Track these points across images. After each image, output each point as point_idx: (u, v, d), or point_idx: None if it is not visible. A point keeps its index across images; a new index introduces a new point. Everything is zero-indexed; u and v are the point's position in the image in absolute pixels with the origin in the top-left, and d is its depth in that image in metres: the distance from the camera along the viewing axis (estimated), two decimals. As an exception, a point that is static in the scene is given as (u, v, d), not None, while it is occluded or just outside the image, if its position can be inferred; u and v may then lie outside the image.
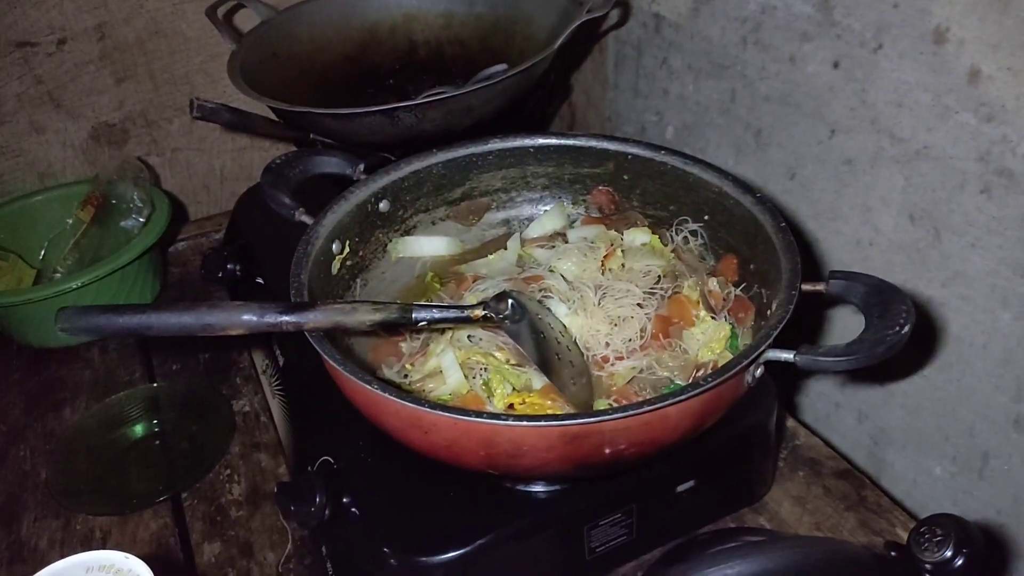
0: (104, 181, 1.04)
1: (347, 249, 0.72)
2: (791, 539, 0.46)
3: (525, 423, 0.51)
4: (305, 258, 0.65)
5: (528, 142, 0.79)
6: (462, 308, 0.61)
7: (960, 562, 0.50)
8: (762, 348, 0.54)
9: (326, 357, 0.57)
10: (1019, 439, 0.69)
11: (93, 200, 1.03)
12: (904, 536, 0.63)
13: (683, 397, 0.51)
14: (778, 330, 0.54)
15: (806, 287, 0.59)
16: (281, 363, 0.85)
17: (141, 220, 1.02)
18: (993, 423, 0.71)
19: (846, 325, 0.84)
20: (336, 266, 0.71)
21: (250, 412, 0.91)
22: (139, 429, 0.89)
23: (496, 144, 0.78)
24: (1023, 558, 0.72)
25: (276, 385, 0.87)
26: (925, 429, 0.78)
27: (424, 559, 0.61)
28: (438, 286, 0.75)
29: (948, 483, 0.77)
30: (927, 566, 0.50)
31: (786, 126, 0.82)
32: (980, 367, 0.70)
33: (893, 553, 0.52)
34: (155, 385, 0.95)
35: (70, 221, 1.05)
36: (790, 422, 0.84)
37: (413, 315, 0.57)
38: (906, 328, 0.53)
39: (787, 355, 0.54)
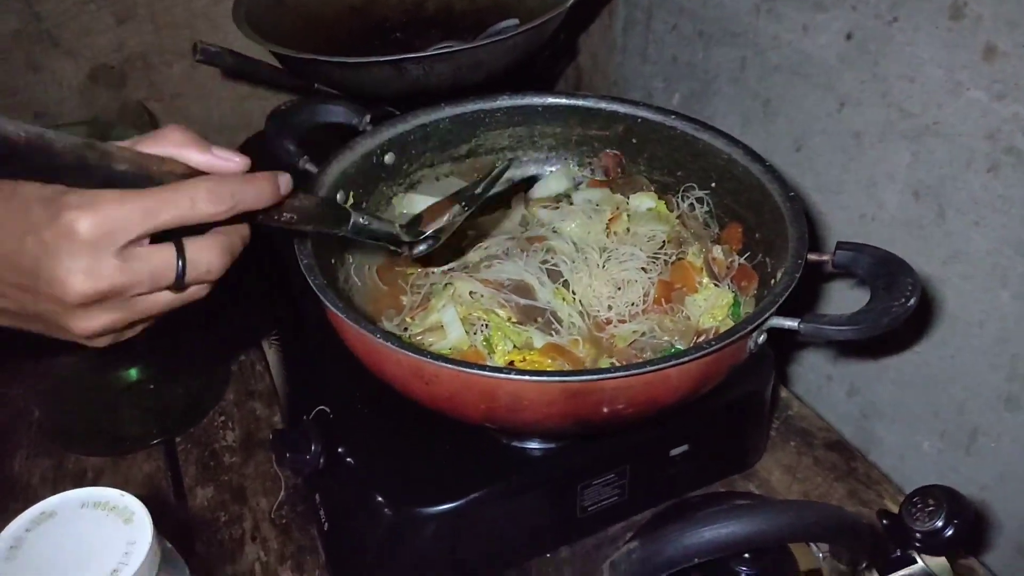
0: (103, 123, 1.03)
1: (351, 200, 0.71)
2: (784, 503, 0.47)
3: (527, 377, 0.51)
4: (309, 207, 0.65)
5: (537, 101, 0.78)
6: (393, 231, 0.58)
7: (950, 532, 0.50)
8: (767, 314, 0.54)
9: (330, 306, 0.57)
10: (1010, 418, 0.70)
11: (91, 142, 1.01)
12: (892, 508, 0.64)
13: (686, 359, 0.51)
14: (784, 297, 0.55)
15: (812, 257, 0.59)
16: (278, 312, 0.85)
17: (139, 164, 1.01)
18: (984, 401, 0.71)
19: (843, 300, 0.84)
20: (340, 217, 0.70)
21: (245, 360, 0.91)
22: (134, 373, 0.89)
23: (505, 101, 0.78)
24: (1001, 532, 0.73)
25: (273, 334, 0.87)
26: (915, 405, 0.78)
27: (418, 510, 0.62)
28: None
29: (935, 458, 0.78)
30: (918, 535, 0.51)
31: (795, 97, 0.81)
32: (975, 345, 0.71)
33: (885, 521, 0.53)
34: (149, 328, 0.94)
35: (67, 162, 1.04)
36: (784, 393, 0.85)
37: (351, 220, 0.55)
38: (912, 301, 0.53)
39: (791, 323, 0.55)
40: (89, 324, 0.43)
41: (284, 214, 0.48)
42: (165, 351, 0.91)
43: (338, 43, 1.00)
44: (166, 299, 0.45)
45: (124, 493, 0.53)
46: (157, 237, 0.43)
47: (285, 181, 0.47)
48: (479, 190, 0.61)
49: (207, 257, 0.44)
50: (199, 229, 0.44)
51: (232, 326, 0.96)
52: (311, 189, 0.66)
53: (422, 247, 0.60)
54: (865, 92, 0.74)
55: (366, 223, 0.56)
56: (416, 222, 0.61)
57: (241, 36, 0.87)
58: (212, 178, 0.43)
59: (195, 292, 0.46)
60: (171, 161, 0.43)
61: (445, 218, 0.60)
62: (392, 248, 0.60)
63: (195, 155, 0.44)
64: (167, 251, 0.43)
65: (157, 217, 0.41)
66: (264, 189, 0.45)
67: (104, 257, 0.40)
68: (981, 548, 0.73)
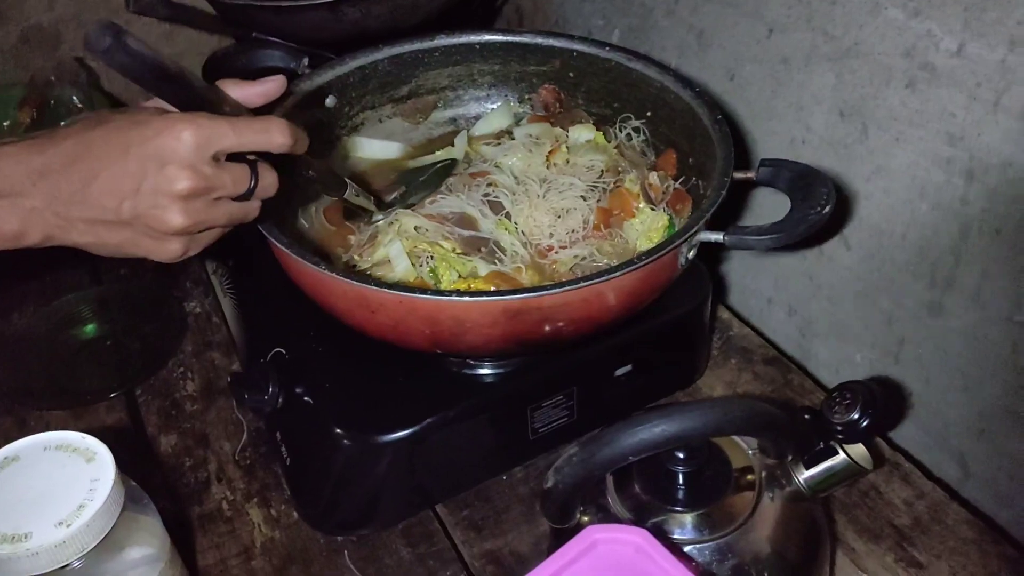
0: (41, 83, 1.01)
1: (293, 144, 0.72)
2: (711, 401, 0.50)
3: (467, 298, 0.53)
4: (251, 150, 0.66)
5: (474, 39, 0.79)
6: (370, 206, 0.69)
7: (866, 423, 0.54)
8: (695, 229, 0.57)
9: (275, 242, 0.59)
10: (932, 324, 0.74)
11: (31, 102, 1.00)
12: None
13: (619, 273, 0.54)
14: (710, 212, 0.57)
15: (738, 175, 0.62)
16: (231, 263, 0.86)
17: (81, 122, 1.00)
18: (909, 310, 0.75)
19: (775, 215, 0.87)
20: (283, 160, 0.71)
21: (201, 313, 0.92)
22: (90, 329, 0.89)
23: (442, 40, 0.79)
24: (929, 433, 0.78)
25: (227, 284, 0.88)
26: (847, 320, 0.82)
27: (375, 438, 0.64)
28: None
29: (867, 368, 0.82)
30: (838, 427, 0.55)
31: (727, 26, 0.83)
32: (899, 257, 0.74)
33: (807, 416, 0.57)
34: (105, 287, 0.95)
35: (7, 123, 1.02)
36: (725, 314, 0.88)
37: None
38: (827, 208, 0.56)
39: (717, 236, 0.58)
40: (182, 219, 0.51)
41: (310, 172, 0.60)
42: (119, 305, 0.92)
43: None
44: (234, 210, 0.54)
45: (85, 435, 0.55)
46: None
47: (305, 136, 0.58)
48: (424, 178, 0.74)
49: (269, 178, 0.55)
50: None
51: (182, 273, 0.97)
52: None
53: (380, 216, 0.71)
54: (791, 17, 0.76)
55: (355, 193, 0.66)
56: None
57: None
58: (280, 119, 0.54)
59: (252, 210, 0.56)
60: (248, 111, 0.56)
61: (395, 194, 0.74)
62: (363, 212, 0.71)
63: (249, 88, 0.57)
64: (244, 166, 0.54)
65: (242, 136, 0.52)
66: (304, 139, 0.57)
67: (202, 159, 0.50)
68: (912, 447, 0.78)
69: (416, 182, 0.74)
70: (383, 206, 0.71)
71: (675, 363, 0.77)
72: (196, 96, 0.51)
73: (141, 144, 0.49)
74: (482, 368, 0.67)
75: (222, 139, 0.51)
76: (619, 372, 0.71)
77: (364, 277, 0.56)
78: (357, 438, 0.65)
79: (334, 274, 0.55)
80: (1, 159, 0.50)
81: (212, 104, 0.52)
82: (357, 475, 0.66)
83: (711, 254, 0.61)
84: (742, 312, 0.95)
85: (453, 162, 0.76)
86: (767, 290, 0.92)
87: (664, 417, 0.49)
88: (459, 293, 0.53)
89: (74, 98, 1.01)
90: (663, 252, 0.55)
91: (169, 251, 0.53)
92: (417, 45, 0.78)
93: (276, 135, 0.53)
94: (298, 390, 0.69)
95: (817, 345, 0.87)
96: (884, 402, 0.54)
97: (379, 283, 0.55)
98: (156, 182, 0.50)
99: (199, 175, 0.50)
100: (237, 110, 0.54)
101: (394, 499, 0.68)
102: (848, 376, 0.84)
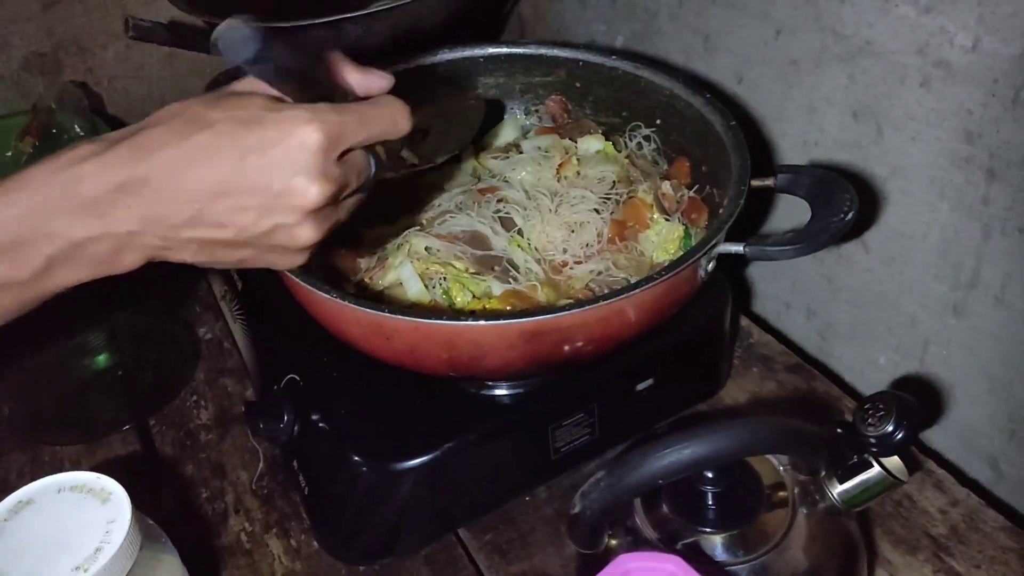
0: (43, 110, 1.00)
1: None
2: (739, 420, 0.49)
3: (484, 322, 0.52)
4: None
5: (478, 52, 0.78)
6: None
7: (901, 435, 0.52)
8: (714, 241, 0.55)
9: (287, 272, 0.57)
10: (957, 325, 0.72)
11: (33, 131, 0.99)
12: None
13: (638, 290, 0.53)
14: (729, 223, 0.56)
15: (755, 182, 0.61)
16: (240, 287, 0.85)
17: (84, 150, 0.99)
18: (932, 312, 0.74)
19: (796, 222, 0.86)
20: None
21: (212, 339, 0.91)
22: (102, 360, 0.88)
23: (445, 55, 0.78)
24: (958, 437, 0.76)
25: (236, 310, 0.87)
26: (869, 322, 0.81)
27: (394, 465, 0.63)
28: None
29: (892, 372, 0.81)
30: (872, 440, 0.53)
31: (733, 28, 0.82)
32: (920, 258, 0.73)
33: (839, 430, 0.55)
34: (115, 316, 0.94)
35: (9, 153, 1.02)
36: (744, 321, 0.87)
37: None
38: (849, 215, 0.55)
39: (736, 248, 0.56)
40: (315, 233, 0.46)
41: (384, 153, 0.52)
42: (130, 334, 0.91)
43: (273, 6, 0.98)
44: (353, 203, 0.49)
45: (100, 475, 0.54)
46: None
47: None
48: (451, 122, 0.65)
49: (376, 160, 0.49)
50: None
51: (192, 298, 0.96)
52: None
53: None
54: (799, 18, 0.75)
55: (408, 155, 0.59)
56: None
57: (175, 8, 0.85)
58: (400, 101, 0.48)
59: (358, 201, 0.50)
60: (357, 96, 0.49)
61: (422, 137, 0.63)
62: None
63: (353, 74, 0.49)
64: (364, 153, 0.48)
65: (372, 129, 0.46)
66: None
67: (331, 162, 0.44)
68: (941, 450, 0.76)
69: (442, 128, 0.64)
70: (422, 159, 0.61)
71: (698, 374, 0.76)
72: (319, 88, 0.45)
73: (260, 152, 0.43)
74: (500, 389, 0.66)
75: (352, 136, 0.45)
76: (640, 387, 0.70)
77: (377, 304, 0.54)
78: (376, 465, 0.63)
79: (347, 302, 0.54)
80: (82, 176, 0.44)
81: (330, 92, 0.46)
82: (377, 503, 0.65)
83: (727, 261, 0.59)
84: (759, 316, 0.93)
85: (485, 104, 0.68)
86: (784, 294, 0.91)
87: (693, 439, 0.48)
88: (475, 316, 0.52)
89: (76, 126, 1.00)
90: (682, 267, 0.54)
91: (295, 263, 0.49)
92: (420, 60, 0.77)
93: (402, 122, 0.47)
94: (314, 417, 0.68)
95: (839, 348, 0.86)
96: (919, 412, 0.52)
97: (393, 309, 0.53)
98: (284, 198, 0.43)
99: (330, 182, 0.44)
100: (348, 94, 0.48)
101: (415, 526, 0.67)
102: (872, 379, 0.83)
